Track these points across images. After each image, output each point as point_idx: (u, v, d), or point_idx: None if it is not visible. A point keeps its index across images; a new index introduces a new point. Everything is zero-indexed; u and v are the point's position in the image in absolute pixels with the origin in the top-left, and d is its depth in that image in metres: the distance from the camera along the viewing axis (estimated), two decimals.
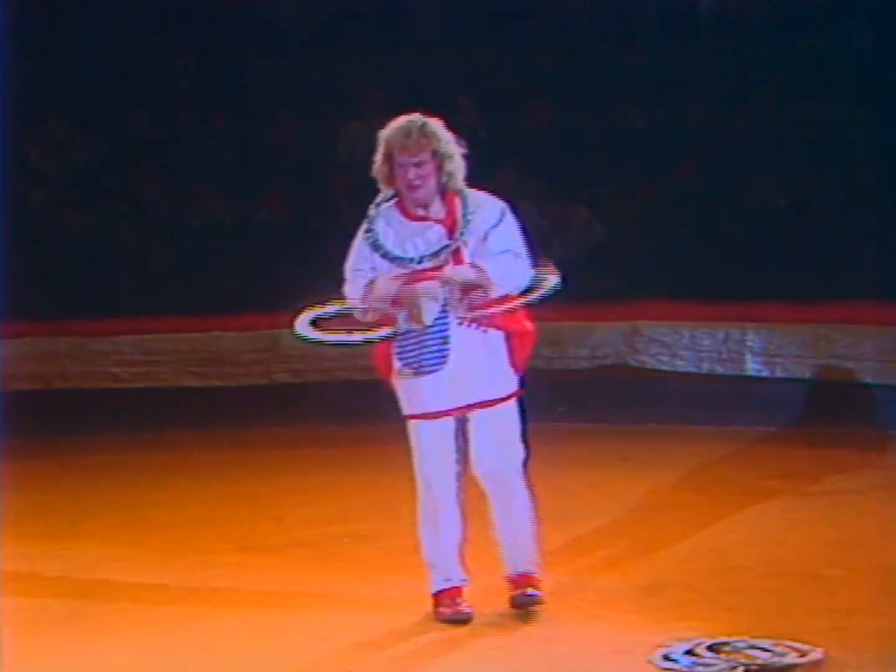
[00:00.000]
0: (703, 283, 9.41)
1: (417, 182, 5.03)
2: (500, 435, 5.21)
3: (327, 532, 6.67)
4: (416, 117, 5.09)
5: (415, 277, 5.06)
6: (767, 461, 7.82)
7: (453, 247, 5.06)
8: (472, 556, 5.38)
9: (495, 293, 5.06)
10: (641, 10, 10.95)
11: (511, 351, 5.19)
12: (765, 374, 9.05)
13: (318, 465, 8.09)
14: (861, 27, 10.49)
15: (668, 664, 4.78)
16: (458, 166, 5.07)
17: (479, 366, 5.14)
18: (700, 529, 6.52)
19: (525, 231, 5.15)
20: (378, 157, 5.12)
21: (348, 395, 8.96)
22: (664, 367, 9.21)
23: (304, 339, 5.22)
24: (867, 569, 5.84)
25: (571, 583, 5.54)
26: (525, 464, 5.27)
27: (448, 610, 5.25)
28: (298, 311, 5.23)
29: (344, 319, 5.20)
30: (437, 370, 5.11)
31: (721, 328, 9.17)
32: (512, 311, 5.11)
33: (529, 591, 5.26)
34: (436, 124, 5.09)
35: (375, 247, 5.11)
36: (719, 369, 9.22)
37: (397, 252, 5.09)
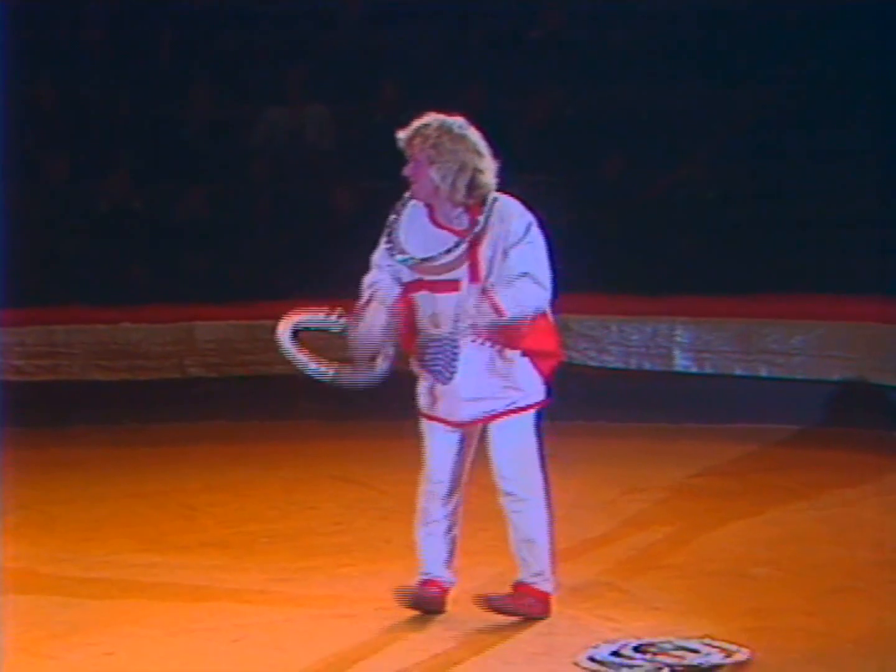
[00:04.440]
0: (631, 277, 9.45)
1: (412, 179, 5.21)
2: (511, 449, 5.26)
3: (243, 531, 6.65)
4: (434, 118, 5.16)
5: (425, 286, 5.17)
6: (696, 459, 7.90)
7: (462, 247, 5.12)
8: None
9: (506, 322, 5.13)
10: None
11: (533, 363, 5.27)
12: (693, 369, 9.10)
13: (234, 462, 8.06)
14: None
15: (594, 665, 4.83)
16: (453, 176, 5.09)
17: (490, 379, 5.21)
18: (625, 528, 6.59)
19: (549, 246, 5.20)
20: None
21: (267, 390, 8.93)
22: (592, 363, 9.22)
23: (282, 351, 5.25)
24: (796, 568, 5.94)
25: (492, 584, 5.53)
26: (545, 481, 5.29)
27: (413, 592, 5.32)
28: (288, 313, 5.26)
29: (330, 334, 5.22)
30: (444, 382, 5.21)
31: (650, 322, 9.21)
32: (526, 329, 5.17)
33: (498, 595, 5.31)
34: (442, 129, 5.12)
35: (392, 252, 5.22)
36: (647, 365, 9.30)
37: (410, 252, 5.19)
